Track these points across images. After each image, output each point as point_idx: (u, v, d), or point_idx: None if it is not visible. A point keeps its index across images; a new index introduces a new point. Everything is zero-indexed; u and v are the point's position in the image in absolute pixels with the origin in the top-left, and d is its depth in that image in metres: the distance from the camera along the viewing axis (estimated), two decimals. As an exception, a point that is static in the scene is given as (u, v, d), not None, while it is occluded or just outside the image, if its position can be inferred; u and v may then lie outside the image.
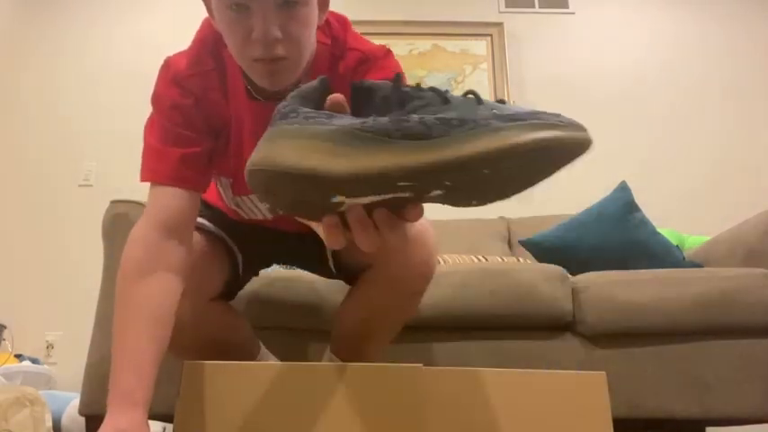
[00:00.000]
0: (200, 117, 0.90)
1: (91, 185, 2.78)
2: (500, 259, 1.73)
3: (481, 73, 2.98)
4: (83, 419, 1.29)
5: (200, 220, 0.99)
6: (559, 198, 2.55)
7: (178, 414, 0.87)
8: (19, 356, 2.19)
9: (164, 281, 0.83)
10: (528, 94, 2.95)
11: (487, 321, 1.35)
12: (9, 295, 2.56)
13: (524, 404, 0.87)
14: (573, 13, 3.14)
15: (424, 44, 3.02)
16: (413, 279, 0.95)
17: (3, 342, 2.21)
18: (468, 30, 3.06)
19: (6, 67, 2.98)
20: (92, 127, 2.88)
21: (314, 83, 0.54)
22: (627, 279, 1.40)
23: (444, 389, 0.88)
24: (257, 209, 1.04)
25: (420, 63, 2.94)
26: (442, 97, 0.48)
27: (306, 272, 1.26)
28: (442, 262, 1.66)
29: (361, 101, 0.51)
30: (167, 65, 0.92)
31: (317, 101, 0.53)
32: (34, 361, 2.22)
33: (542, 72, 3.01)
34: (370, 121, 0.46)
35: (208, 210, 1.08)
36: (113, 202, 1.34)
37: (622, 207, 1.66)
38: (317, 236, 1.00)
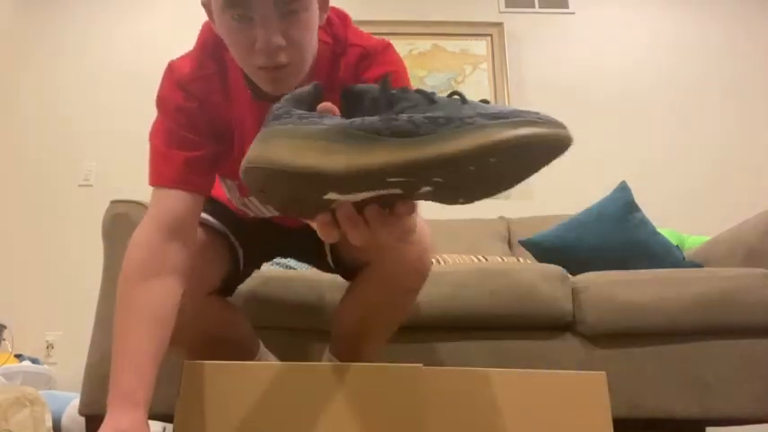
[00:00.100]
0: (203, 120, 0.91)
1: (91, 185, 2.78)
2: (500, 259, 1.73)
3: (481, 73, 2.98)
4: (83, 419, 1.29)
5: (202, 214, 0.99)
6: (559, 198, 2.55)
7: (178, 414, 0.87)
8: (19, 356, 2.19)
9: (165, 283, 0.84)
10: (528, 94, 2.95)
11: (487, 321, 1.35)
12: (9, 295, 2.56)
13: (524, 404, 0.87)
14: (573, 13, 3.14)
15: (424, 44, 3.02)
16: (407, 276, 0.96)
17: (3, 342, 2.21)
18: (468, 30, 3.06)
19: (6, 67, 2.98)
20: (92, 127, 2.88)
21: (307, 88, 0.55)
22: (627, 279, 1.40)
23: (444, 389, 0.88)
24: (265, 207, 1.05)
25: (420, 63, 2.94)
26: (428, 98, 0.49)
27: (305, 271, 1.27)
28: (441, 262, 1.66)
29: (351, 104, 0.52)
30: (171, 69, 0.93)
31: (309, 104, 0.54)
32: (34, 361, 2.22)
33: (542, 72, 3.01)
34: (359, 120, 0.47)
35: (210, 204, 1.08)
36: (113, 202, 1.34)
37: (622, 207, 1.66)
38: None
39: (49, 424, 1.42)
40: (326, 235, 0.54)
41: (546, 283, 1.36)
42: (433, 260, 1.65)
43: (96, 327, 1.30)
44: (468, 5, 3.12)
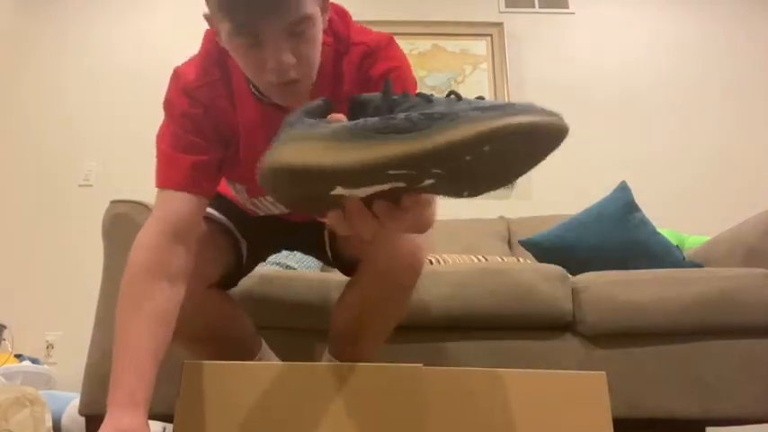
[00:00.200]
0: (209, 125, 0.92)
1: (91, 185, 2.78)
2: (500, 259, 1.73)
3: (481, 73, 2.98)
4: (83, 419, 1.29)
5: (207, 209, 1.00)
6: (559, 198, 2.55)
7: (178, 414, 0.87)
8: (19, 356, 2.19)
9: (169, 285, 0.85)
10: (528, 94, 2.95)
11: (487, 321, 1.35)
12: (9, 295, 2.56)
13: (524, 404, 0.87)
14: (573, 13, 3.14)
15: (424, 44, 3.02)
16: (400, 272, 0.96)
17: (3, 342, 2.21)
18: (468, 30, 3.06)
19: (6, 66, 2.98)
20: (92, 127, 2.88)
21: (318, 101, 0.59)
22: (627, 279, 1.40)
23: (444, 389, 0.88)
24: (273, 206, 1.07)
25: (420, 63, 2.94)
26: (426, 99, 0.53)
27: (305, 271, 1.27)
28: (441, 262, 1.66)
29: (357, 113, 0.56)
30: (177, 75, 0.93)
31: (320, 116, 0.58)
32: (34, 361, 2.22)
33: (542, 72, 3.01)
34: (361, 121, 0.51)
35: (216, 199, 1.09)
36: (113, 202, 1.34)
37: (622, 207, 1.66)
38: (319, 225, 1.05)
39: (49, 424, 1.42)
40: (339, 229, 0.57)
41: (546, 283, 1.37)
42: (433, 260, 1.65)
43: (96, 327, 1.30)
44: (468, 5, 3.12)
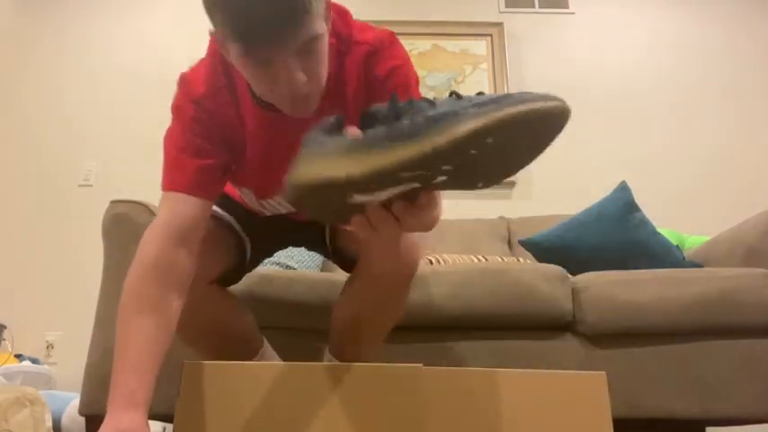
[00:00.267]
0: (215, 131, 0.93)
1: (91, 185, 2.78)
2: (500, 259, 1.73)
3: (481, 73, 2.98)
4: (83, 419, 1.29)
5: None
6: (559, 198, 2.55)
7: (178, 414, 0.87)
8: (19, 356, 2.19)
9: (171, 287, 0.85)
10: (528, 94, 2.95)
11: (487, 321, 1.35)
12: (9, 295, 2.55)
13: (524, 404, 0.87)
14: (573, 14, 3.14)
15: (424, 44, 3.02)
16: (396, 269, 0.97)
17: (3, 342, 2.21)
18: (468, 30, 3.05)
19: (6, 66, 2.98)
20: (92, 127, 2.88)
21: (331, 119, 0.62)
22: (627, 279, 1.40)
23: (444, 389, 0.88)
24: (280, 206, 1.08)
25: (420, 63, 2.94)
26: (429, 103, 0.56)
27: (306, 271, 1.27)
28: (441, 262, 1.66)
29: (368, 125, 0.59)
30: (184, 82, 0.94)
31: (335, 131, 0.61)
32: (34, 361, 2.22)
33: (542, 72, 3.01)
34: (371, 132, 0.55)
35: (220, 197, 1.09)
36: (113, 202, 1.34)
37: (622, 207, 1.66)
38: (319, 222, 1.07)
39: (49, 424, 1.42)
40: (362, 233, 0.61)
41: (546, 283, 1.37)
42: (433, 260, 1.65)
43: (96, 327, 1.30)
44: (468, 5, 3.12)
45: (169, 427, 1.81)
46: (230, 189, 1.12)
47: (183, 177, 0.89)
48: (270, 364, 1.04)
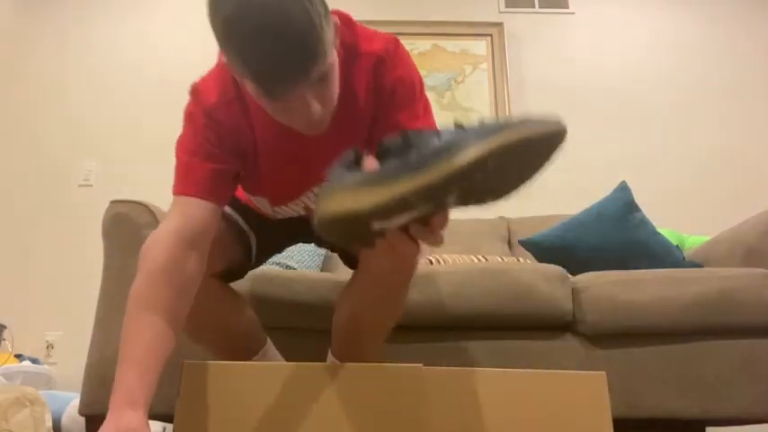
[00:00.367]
0: (227, 139, 0.94)
1: (91, 185, 2.78)
2: (500, 259, 1.73)
3: (481, 73, 2.98)
4: (83, 419, 1.29)
5: None
6: (559, 198, 2.55)
7: (178, 414, 0.87)
8: (19, 356, 2.19)
9: (178, 289, 0.86)
10: (528, 94, 2.95)
11: (487, 321, 1.35)
12: (9, 295, 2.56)
13: (524, 404, 0.87)
14: (573, 14, 3.14)
15: (424, 44, 3.02)
16: (396, 269, 0.97)
17: (3, 342, 2.21)
18: (468, 30, 3.05)
19: (7, 66, 2.98)
20: (92, 127, 2.88)
21: (350, 154, 0.69)
22: (627, 279, 1.40)
23: (444, 389, 0.88)
24: (293, 210, 1.10)
25: (420, 63, 2.94)
26: (436, 134, 0.62)
27: (306, 271, 1.27)
28: (441, 262, 1.66)
29: (384, 156, 0.65)
30: (196, 92, 0.95)
31: (353, 165, 0.68)
32: (34, 361, 2.22)
33: (542, 72, 3.01)
34: (384, 166, 0.62)
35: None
36: (113, 202, 1.34)
37: (622, 207, 1.66)
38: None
39: (49, 424, 1.42)
40: (385, 254, 0.68)
41: (546, 283, 1.37)
42: (433, 260, 1.65)
43: (96, 327, 1.30)
44: (468, 5, 3.12)
45: (169, 427, 1.81)
46: (238, 192, 1.13)
47: (195, 182, 0.91)
48: (270, 364, 1.04)
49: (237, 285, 1.17)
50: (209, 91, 0.93)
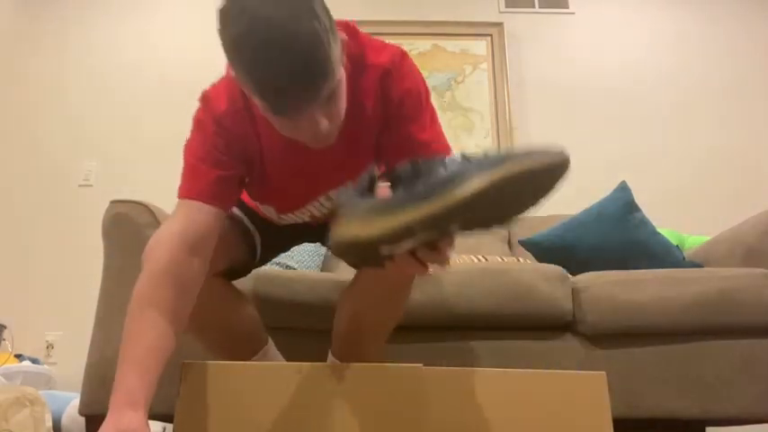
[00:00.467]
0: (235, 147, 0.95)
1: (91, 185, 2.78)
2: (500, 259, 1.73)
3: (481, 73, 2.98)
4: (83, 419, 1.29)
5: None
6: (559, 198, 2.54)
7: (178, 414, 0.87)
8: (19, 356, 2.19)
9: (180, 292, 0.86)
10: (528, 94, 2.95)
11: (487, 321, 1.35)
12: (9, 295, 2.55)
13: (524, 404, 0.87)
14: (573, 14, 3.14)
15: (424, 44, 3.01)
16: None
17: (3, 342, 2.21)
18: (468, 30, 3.05)
19: (7, 66, 2.98)
20: (92, 127, 2.88)
21: (364, 179, 0.73)
22: (627, 279, 1.40)
23: (444, 389, 0.88)
24: (298, 218, 1.11)
25: (420, 63, 2.91)
26: (443, 165, 0.66)
27: (306, 271, 1.27)
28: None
29: (396, 183, 0.69)
30: (206, 99, 0.96)
31: (367, 190, 0.73)
32: (34, 361, 2.22)
33: (542, 72, 3.01)
34: (393, 195, 0.67)
35: None
36: (113, 202, 1.34)
37: (622, 207, 1.66)
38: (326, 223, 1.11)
39: (49, 424, 1.42)
40: (395, 274, 0.75)
41: (546, 283, 1.37)
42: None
43: (96, 327, 1.30)
44: (468, 5, 3.12)
45: (169, 427, 1.81)
46: (245, 196, 1.14)
47: (201, 186, 0.92)
48: (269, 364, 1.05)
49: (238, 285, 1.17)
50: (219, 99, 0.94)
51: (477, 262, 1.66)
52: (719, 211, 2.43)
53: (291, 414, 0.87)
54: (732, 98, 2.96)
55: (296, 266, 1.82)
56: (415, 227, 0.63)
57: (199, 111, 0.96)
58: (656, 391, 1.32)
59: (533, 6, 3.14)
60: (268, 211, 1.12)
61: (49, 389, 2.07)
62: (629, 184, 1.73)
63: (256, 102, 0.78)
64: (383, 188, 0.70)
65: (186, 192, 0.93)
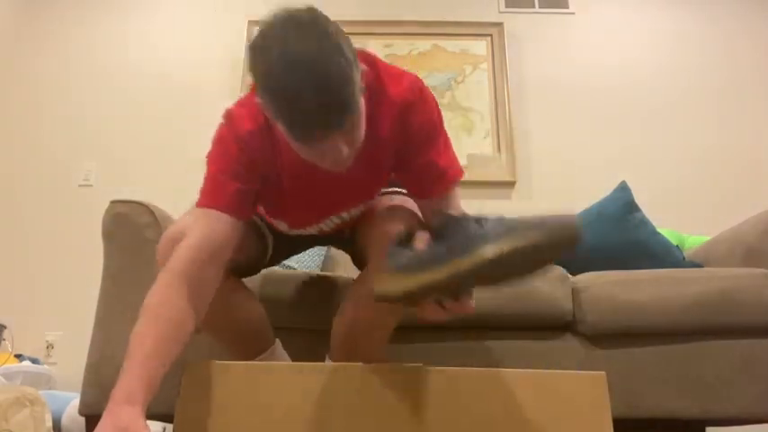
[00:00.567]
0: (256, 163, 0.98)
1: (91, 185, 2.78)
2: (500, 259, 1.72)
3: (481, 73, 2.97)
4: (83, 419, 1.29)
5: None
6: (559, 198, 2.55)
7: (178, 414, 0.87)
8: (19, 356, 2.19)
9: (195, 300, 0.88)
10: (528, 94, 2.95)
11: (487, 321, 1.35)
12: (9, 295, 2.55)
13: (524, 404, 0.87)
14: (573, 14, 3.14)
15: (424, 44, 3.01)
16: None
17: (3, 342, 2.21)
18: (468, 30, 3.05)
19: (7, 66, 2.98)
20: (92, 127, 2.88)
21: (402, 233, 0.87)
22: (627, 279, 1.40)
23: (444, 389, 0.88)
24: (308, 232, 1.15)
25: (420, 63, 2.94)
26: (462, 225, 0.76)
27: (306, 271, 1.27)
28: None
29: (438, 235, 0.81)
30: (230, 117, 0.98)
31: (406, 243, 0.84)
32: (34, 361, 2.22)
33: (542, 72, 3.01)
34: (417, 255, 0.79)
35: None
36: (113, 202, 1.34)
37: (622, 207, 1.66)
38: (337, 231, 1.20)
39: (49, 424, 1.42)
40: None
41: (546, 283, 1.37)
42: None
43: (96, 327, 1.30)
44: (468, 5, 3.12)
45: (169, 427, 1.81)
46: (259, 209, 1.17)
47: (223, 197, 0.94)
48: (269, 364, 1.05)
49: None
50: (243, 118, 0.97)
51: (477, 262, 1.66)
52: (719, 211, 2.43)
53: (292, 414, 0.87)
54: (732, 98, 2.96)
55: (296, 266, 1.82)
56: (433, 288, 0.76)
57: (222, 127, 0.99)
58: (656, 391, 1.32)
59: (533, 6, 3.14)
60: (280, 225, 1.14)
61: (49, 389, 2.07)
62: (629, 184, 1.73)
63: (280, 128, 0.80)
64: (420, 239, 0.82)
65: (207, 201, 0.95)
